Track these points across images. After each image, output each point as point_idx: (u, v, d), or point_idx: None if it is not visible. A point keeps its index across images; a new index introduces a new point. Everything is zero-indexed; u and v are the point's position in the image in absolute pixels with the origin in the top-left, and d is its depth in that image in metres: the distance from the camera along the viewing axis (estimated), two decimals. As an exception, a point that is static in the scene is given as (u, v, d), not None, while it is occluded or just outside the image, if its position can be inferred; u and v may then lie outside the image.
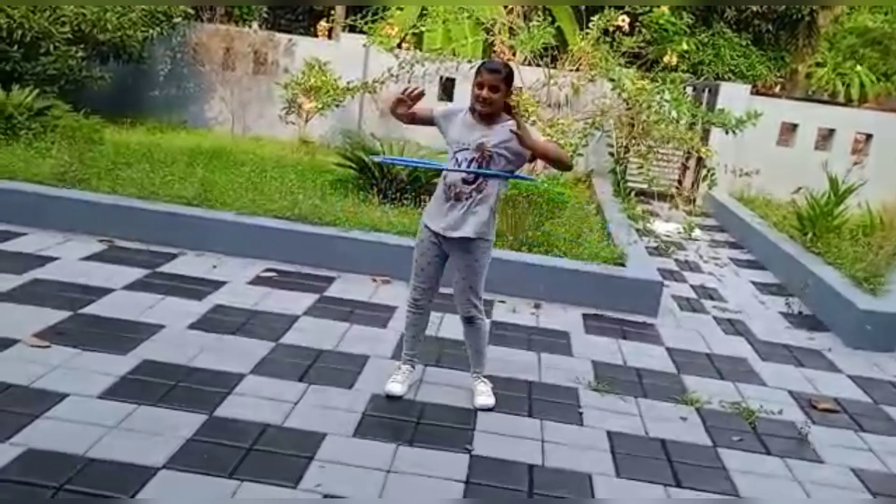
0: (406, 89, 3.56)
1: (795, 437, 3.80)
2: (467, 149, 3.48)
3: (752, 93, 10.74)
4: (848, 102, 20.91)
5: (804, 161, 10.05)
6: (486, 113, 3.44)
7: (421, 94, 3.57)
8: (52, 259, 5.01)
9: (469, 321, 3.71)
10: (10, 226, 5.52)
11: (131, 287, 4.72)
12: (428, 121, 3.68)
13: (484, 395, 3.71)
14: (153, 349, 3.87)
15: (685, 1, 12.86)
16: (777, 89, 15.74)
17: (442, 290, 3.82)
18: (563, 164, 3.64)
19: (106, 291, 4.57)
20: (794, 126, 10.83)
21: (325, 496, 2.83)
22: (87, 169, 6.22)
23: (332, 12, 11.99)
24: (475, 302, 3.65)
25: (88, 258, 5.14)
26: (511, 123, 3.44)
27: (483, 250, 3.59)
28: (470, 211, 3.49)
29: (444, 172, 3.62)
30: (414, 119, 3.67)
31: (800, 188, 8.10)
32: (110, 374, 3.54)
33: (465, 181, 3.49)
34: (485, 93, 3.40)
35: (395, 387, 3.73)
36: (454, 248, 3.60)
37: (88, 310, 4.27)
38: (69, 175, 6.00)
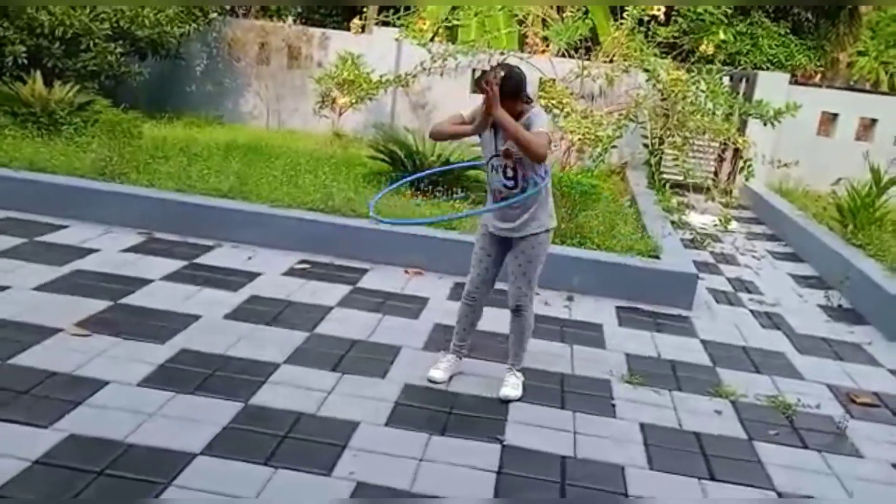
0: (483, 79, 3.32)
1: (833, 431, 3.74)
2: (498, 155, 3.52)
3: (791, 82, 10.52)
4: (891, 92, 20.37)
5: (845, 152, 9.83)
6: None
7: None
8: (92, 251, 5.12)
9: (518, 310, 3.71)
10: (53, 218, 5.66)
11: (169, 278, 4.81)
12: (467, 134, 3.59)
13: (509, 387, 3.71)
14: (191, 338, 3.95)
15: (725, 1, 12.59)
16: (817, 79, 15.36)
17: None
18: (529, 152, 3.33)
19: (145, 282, 4.67)
20: (835, 116, 10.59)
21: (359, 484, 2.86)
22: (126, 163, 6.34)
23: (365, 10, 12.02)
24: (527, 291, 3.66)
25: (128, 250, 5.25)
26: (535, 111, 3.42)
27: (541, 241, 3.61)
28: (521, 210, 3.53)
29: (487, 179, 3.64)
30: (457, 135, 3.62)
31: (840, 179, 7.92)
32: (149, 363, 3.61)
33: (506, 186, 3.54)
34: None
35: (437, 373, 3.78)
36: (514, 239, 3.63)
37: (128, 300, 4.37)
38: (109, 169, 6.13)
